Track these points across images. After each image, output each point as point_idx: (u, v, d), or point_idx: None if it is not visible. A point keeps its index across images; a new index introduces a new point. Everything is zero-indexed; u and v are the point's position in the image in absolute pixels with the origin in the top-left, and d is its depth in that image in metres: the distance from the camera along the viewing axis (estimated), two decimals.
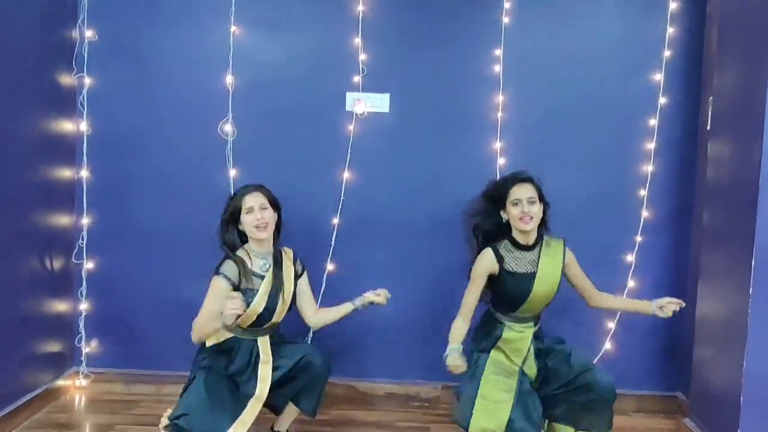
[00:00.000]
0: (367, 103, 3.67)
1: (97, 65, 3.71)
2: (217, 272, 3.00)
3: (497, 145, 3.69)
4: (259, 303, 3.01)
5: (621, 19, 3.66)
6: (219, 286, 2.97)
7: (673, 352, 3.74)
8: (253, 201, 3.04)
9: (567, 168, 3.68)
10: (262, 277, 3.04)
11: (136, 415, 3.51)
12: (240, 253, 3.06)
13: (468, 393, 2.96)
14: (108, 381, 3.79)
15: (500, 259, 3.04)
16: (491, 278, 3.07)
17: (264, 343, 3.06)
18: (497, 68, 3.67)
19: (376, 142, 3.70)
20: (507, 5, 3.64)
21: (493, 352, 3.06)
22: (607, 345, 3.72)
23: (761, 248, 2.88)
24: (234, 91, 3.68)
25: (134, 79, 3.72)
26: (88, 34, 3.68)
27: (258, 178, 3.60)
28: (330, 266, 3.72)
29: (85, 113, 3.71)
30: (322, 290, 3.69)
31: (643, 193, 3.69)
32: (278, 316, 3.08)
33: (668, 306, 3.05)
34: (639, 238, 3.70)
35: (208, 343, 3.04)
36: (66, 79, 3.67)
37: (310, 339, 3.62)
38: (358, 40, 3.66)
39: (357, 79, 3.67)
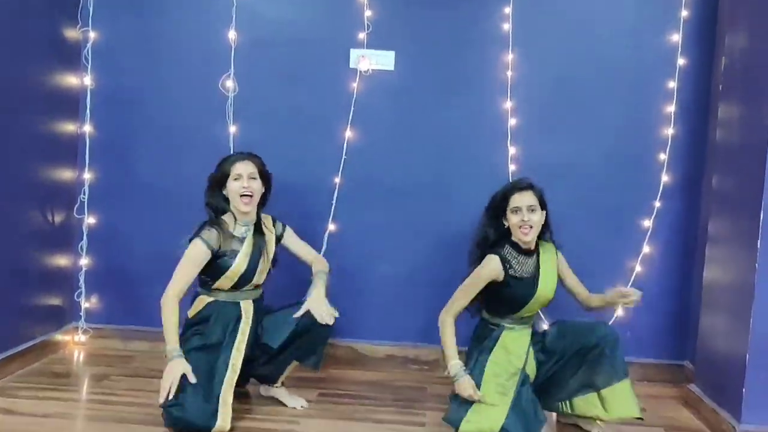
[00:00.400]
0: (371, 60, 3.61)
1: (102, 19, 3.70)
2: (195, 236, 2.96)
3: (507, 105, 3.61)
4: (240, 264, 2.98)
5: None
6: (197, 250, 2.94)
7: (682, 320, 3.64)
8: (243, 168, 3.01)
9: (578, 130, 3.60)
10: (242, 240, 3.01)
11: (131, 367, 3.51)
12: (225, 217, 3.03)
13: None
14: (106, 337, 3.78)
15: (507, 265, 2.94)
16: (491, 284, 2.95)
17: (247, 307, 3.03)
18: (506, 26, 3.59)
19: (380, 101, 3.64)
20: None
21: (494, 352, 2.93)
22: (619, 311, 3.63)
23: None
24: (237, 47, 3.65)
25: (139, 33, 3.70)
26: None
27: (258, 135, 3.60)
28: (331, 226, 3.68)
29: (89, 67, 3.71)
30: (323, 250, 3.64)
31: (663, 156, 3.59)
32: (259, 276, 3.05)
33: (627, 296, 2.91)
34: (658, 204, 3.60)
35: (192, 313, 3.02)
36: (71, 33, 3.66)
37: None
38: None
39: (362, 35, 3.61)
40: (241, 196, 2.98)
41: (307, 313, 2.94)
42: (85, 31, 3.69)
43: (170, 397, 2.75)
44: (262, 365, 3.07)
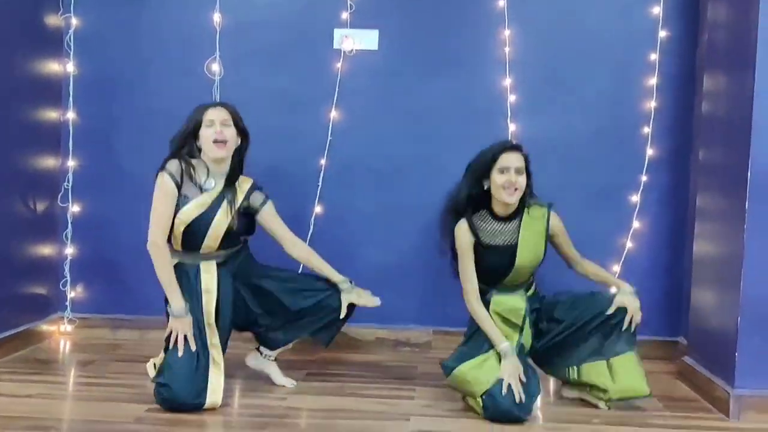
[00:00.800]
0: (355, 40, 3.60)
1: (83, 5, 3.67)
2: (161, 169, 2.82)
3: (495, 84, 3.60)
4: (188, 212, 2.78)
5: None
6: (164, 183, 2.78)
7: (675, 296, 3.61)
8: (215, 115, 2.84)
9: (568, 105, 3.59)
10: (204, 191, 2.83)
11: (119, 353, 3.47)
12: (195, 162, 2.85)
13: (469, 350, 2.83)
14: (93, 326, 3.72)
15: (474, 230, 2.88)
16: (475, 251, 2.91)
17: (208, 269, 2.84)
18: (501, 3, 3.56)
19: (365, 81, 3.62)
20: None
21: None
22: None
23: (755, 184, 2.79)
24: (221, 30, 3.63)
25: (121, 18, 3.68)
26: None
27: (244, 117, 3.53)
28: (318, 208, 3.65)
29: (71, 54, 3.68)
30: (310, 233, 3.61)
31: (647, 130, 3.58)
32: (213, 239, 2.83)
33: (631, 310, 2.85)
34: (644, 178, 3.59)
35: None
36: (52, 19, 3.63)
37: None
38: None
39: (345, 15, 3.60)
40: (214, 141, 2.81)
41: (338, 296, 2.94)
42: (67, 17, 3.66)
43: (179, 350, 2.70)
44: (273, 330, 2.98)
